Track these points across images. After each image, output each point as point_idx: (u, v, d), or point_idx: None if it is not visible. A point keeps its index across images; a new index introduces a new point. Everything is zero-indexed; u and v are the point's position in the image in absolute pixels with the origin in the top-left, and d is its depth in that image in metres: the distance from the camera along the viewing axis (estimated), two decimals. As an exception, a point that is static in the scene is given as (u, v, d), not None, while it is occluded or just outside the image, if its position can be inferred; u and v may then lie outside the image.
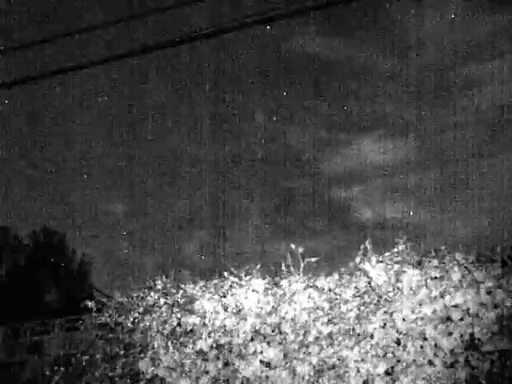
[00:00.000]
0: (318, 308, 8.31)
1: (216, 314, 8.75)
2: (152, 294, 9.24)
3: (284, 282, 8.61)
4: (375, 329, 7.96)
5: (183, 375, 8.66)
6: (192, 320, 8.85)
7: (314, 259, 8.63)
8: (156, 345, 8.92)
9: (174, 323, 8.94)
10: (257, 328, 8.48)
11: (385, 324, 7.95)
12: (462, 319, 7.70)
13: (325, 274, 8.53)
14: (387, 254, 8.30)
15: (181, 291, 9.08)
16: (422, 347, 7.75)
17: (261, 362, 8.32)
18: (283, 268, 8.68)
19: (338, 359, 8.00)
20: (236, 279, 8.84)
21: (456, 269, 7.90)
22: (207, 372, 8.55)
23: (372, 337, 7.95)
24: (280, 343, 8.32)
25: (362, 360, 7.90)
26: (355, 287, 8.23)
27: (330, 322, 8.19)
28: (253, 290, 8.68)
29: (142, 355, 8.94)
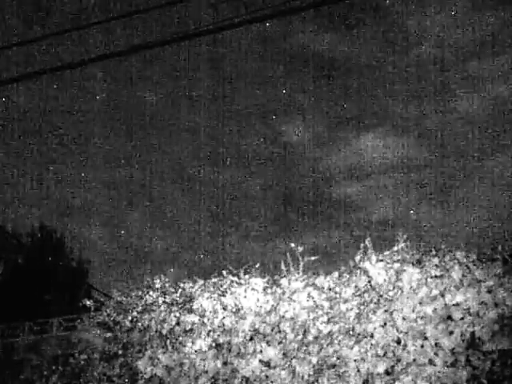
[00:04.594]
0: (317, 307, 8.27)
1: (215, 313, 8.72)
2: (151, 292, 9.21)
3: (283, 281, 8.57)
4: (375, 328, 7.92)
5: (182, 375, 8.62)
6: (191, 319, 8.81)
7: (313, 258, 8.59)
8: (155, 344, 8.88)
9: (173, 322, 8.90)
10: (256, 327, 8.44)
11: (385, 323, 7.91)
12: (462, 318, 7.66)
13: (324, 273, 8.49)
14: (387, 252, 8.26)
15: (179, 290, 9.05)
16: (422, 346, 7.71)
17: (260, 361, 8.28)
18: (282, 267, 8.65)
19: (338, 358, 7.96)
20: (235, 278, 8.81)
21: (457, 267, 7.87)
22: (206, 371, 8.52)
23: (372, 336, 7.91)
24: (279, 342, 8.28)
25: (362, 359, 7.87)
26: (355, 286, 8.19)
27: (329, 321, 8.15)
28: (252, 289, 8.64)
29: (141, 354, 8.91)
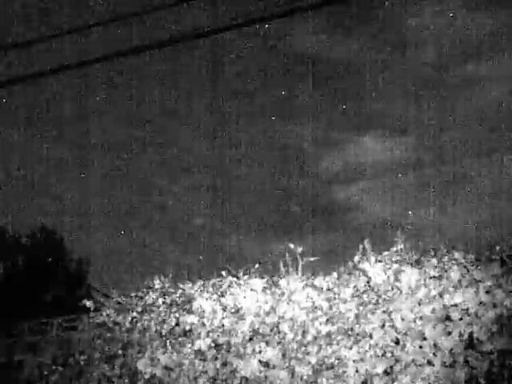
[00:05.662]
0: (316, 307, 8.28)
1: (214, 313, 8.73)
2: (150, 293, 9.22)
3: (282, 282, 8.58)
4: (374, 328, 7.93)
5: (181, 375, 8.64)
6: (190, 320, 8.83)
7: (312, 259, 8.61)
8: (154, 344, 8.90)
9: (173, 323, 8.92)
10: (255, 328, 8.45)
11: (383, 324, 7.93)
12: (461, 319, 7.68)
13: (323, 274, 8.51)
14: (386, 253, 8.27)
15: (179, 291, 9.06)
16: (420, 347, 7.72)
17: (259, 361, 8.30)
18: (282, 267, 8.67)
19: (337, 359, 7.98)
20: (234, 279, 8.82)
21: (455, 268, 7.88)
22: (205, 372, 8.53)
23: (371, 336, 7.93)
24: (279, 343, 8.29)
25: (361, 360, 7.88)
26: (354, 287, 8.20)
27: (328, 321, 8.17)
28: (251, 290, 8.65)
29: (141, 355, 8.92)
